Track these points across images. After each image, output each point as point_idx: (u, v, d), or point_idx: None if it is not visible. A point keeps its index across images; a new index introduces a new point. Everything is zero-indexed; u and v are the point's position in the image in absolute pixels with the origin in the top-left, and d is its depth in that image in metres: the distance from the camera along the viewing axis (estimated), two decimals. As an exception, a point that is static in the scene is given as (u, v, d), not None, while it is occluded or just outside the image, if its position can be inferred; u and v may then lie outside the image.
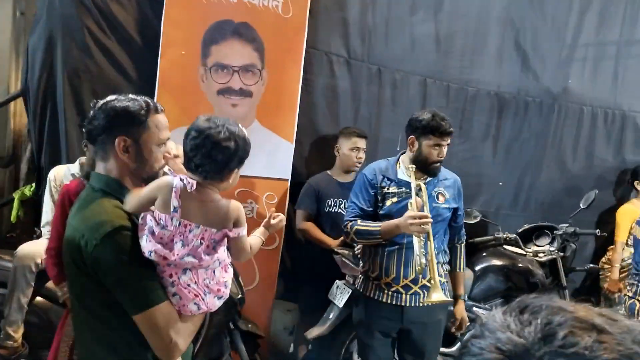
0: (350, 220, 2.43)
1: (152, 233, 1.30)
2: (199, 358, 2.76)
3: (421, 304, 2.40)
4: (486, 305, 3.36)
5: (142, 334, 1.31)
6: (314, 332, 3.03)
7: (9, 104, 3.52)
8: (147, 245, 1.29)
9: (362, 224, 2.39)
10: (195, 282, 1.34)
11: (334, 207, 3.22)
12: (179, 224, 1.31)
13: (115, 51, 3.00)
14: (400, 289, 2.41)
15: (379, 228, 2.34)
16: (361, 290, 2.53)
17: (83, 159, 2.72)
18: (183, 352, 1.37)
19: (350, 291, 3.02)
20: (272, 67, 3.17)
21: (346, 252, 3.05)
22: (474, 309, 3.24)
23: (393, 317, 2.44)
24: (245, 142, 1.38)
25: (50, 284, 2.67)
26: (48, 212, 2.70)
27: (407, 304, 2.41)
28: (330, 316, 3.06)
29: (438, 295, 2.23)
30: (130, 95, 1.42)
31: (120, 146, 1.36)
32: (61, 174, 2.69)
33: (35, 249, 2.57)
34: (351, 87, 3.53)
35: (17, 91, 3.17)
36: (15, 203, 3.04)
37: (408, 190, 2.37)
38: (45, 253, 2.28)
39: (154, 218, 1.32)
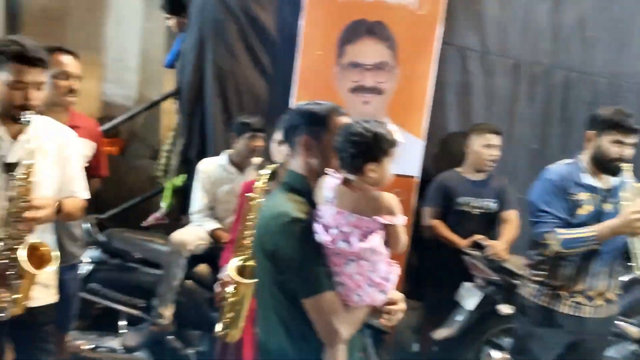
0: (550, 232, 2.28)
1: (318, 223, 1.43)
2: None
3: (602, 316, 2.32)
4: (633, 320, 3.07)
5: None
6: (441, 333, 2.99)
7: (160, 102, 3.89)
8: (317, 235, 1.42)
9: (567, 233, 2.24)
10: (359, 274, 1.42)
11: (464, 206, 3.14)
12: (335, 212, 1.41)
13: (258, 52, 3.19)
14: (584, 300, 2.30)
15: (594, 233, 2.18)
16: (533, 298, 2.40)
17: (229, 151, 2.94)
18: (347, 340, 1.44)
19: (481, 295, 2.93)
20: (404, 64, 3.17)
21: (476, 253, 2.97)
22: (620, 323, 2.98)
23: (570, 328, 2.33)
24: (376, 138, 1.41)
25: (198, 269, 2.92)
26: (196, 200, 2.93)
27: (588, 316, 2.31)
28: (458, 318, 2.99)
29: None
30: (320, 101, 1.55)
31: (304, 144, 1.50)
32: (209, 167, 2.92)
33: (187, 236, 2.79)
34: (485, 83, 3.41)
35: (171, 90, 3.49)
36: (167, 193, 3.35)
37: (600, 196, 2.27)
38: (228, 241, 2.52)
39: (318, 210, 1.46)
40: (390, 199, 1.44)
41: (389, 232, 1.45)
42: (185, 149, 3.35)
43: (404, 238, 1.48)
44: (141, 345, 2.82)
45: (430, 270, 3.33)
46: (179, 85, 3.32)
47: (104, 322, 2.99)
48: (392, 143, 1.44)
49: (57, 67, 2.34)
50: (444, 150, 3.43)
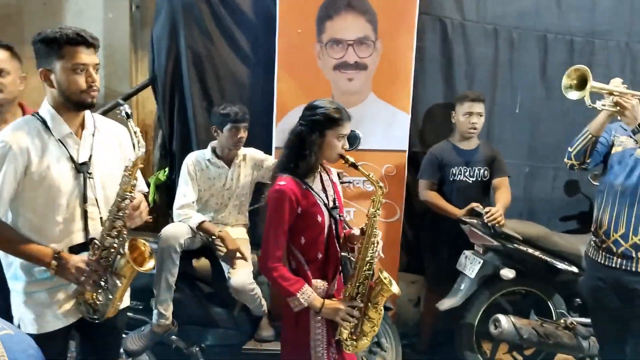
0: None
1: None
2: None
3: None
4: None
5: None
6: (445, 304, 2.99)
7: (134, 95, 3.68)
8: None
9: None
10: None
11: (459, 176, 3.14)
12: None
13: (235, 34, 3.05)
14: (630, 249, 2.24)
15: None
16: (589, 253, 2.44)
17: (214, 143, 2.81)
18: None
19: (482, 261, 2.95)
20: (385, 37, 3.11)
21: (475, 220, 2.97)
22: None
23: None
24: None
25: (197, 263, 2.79)
26: (181, 196, 2.74)
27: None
28: (462, 287, 3.00)
29: None
30: None
31: None
32: (195, 160, 2.76)
33: (179, 230, 2.63)
34: (465, 51, 3.39)
35: (145, 81, 3.30)
36: (152, 188, 3.18)
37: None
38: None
39: None
40: None
41: None
42: (168, 141, 3.20)
43: None
44: (144, 349, 2.68)
45: (428, 242, 3.33)
46: (154, 74, 3.14)
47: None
48: None
49: None
50: (430, 122, 3.41)
